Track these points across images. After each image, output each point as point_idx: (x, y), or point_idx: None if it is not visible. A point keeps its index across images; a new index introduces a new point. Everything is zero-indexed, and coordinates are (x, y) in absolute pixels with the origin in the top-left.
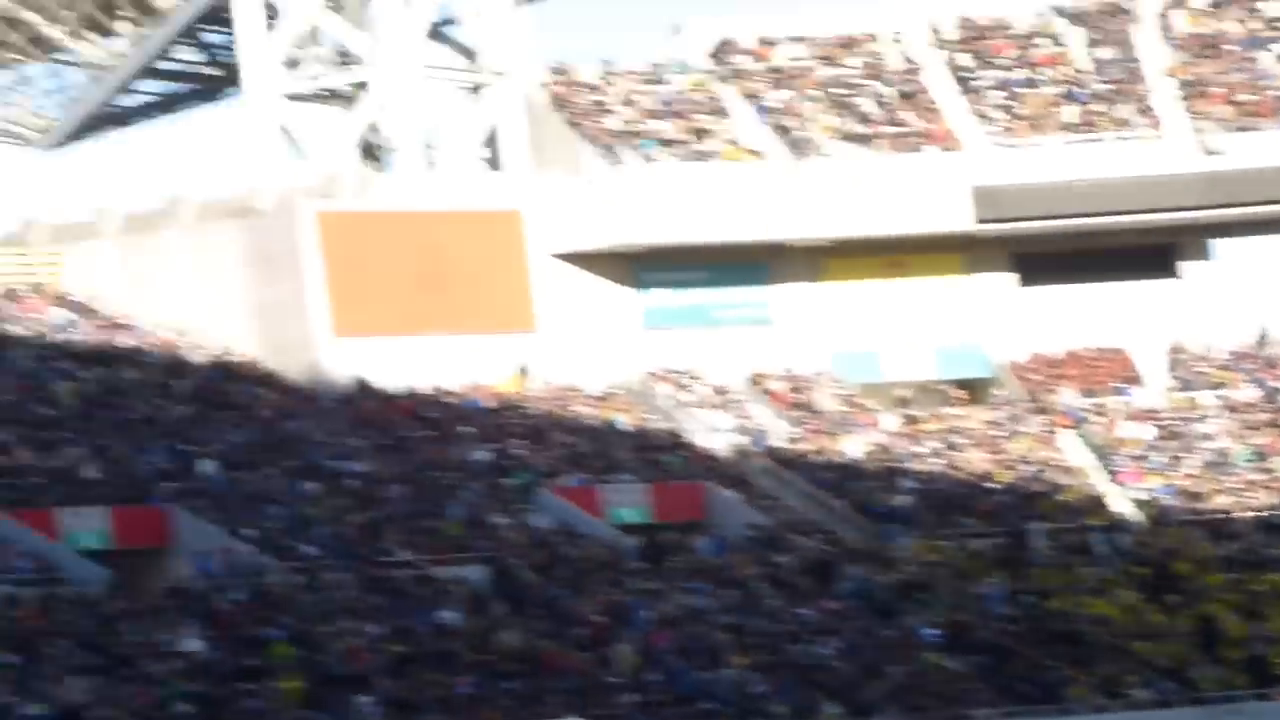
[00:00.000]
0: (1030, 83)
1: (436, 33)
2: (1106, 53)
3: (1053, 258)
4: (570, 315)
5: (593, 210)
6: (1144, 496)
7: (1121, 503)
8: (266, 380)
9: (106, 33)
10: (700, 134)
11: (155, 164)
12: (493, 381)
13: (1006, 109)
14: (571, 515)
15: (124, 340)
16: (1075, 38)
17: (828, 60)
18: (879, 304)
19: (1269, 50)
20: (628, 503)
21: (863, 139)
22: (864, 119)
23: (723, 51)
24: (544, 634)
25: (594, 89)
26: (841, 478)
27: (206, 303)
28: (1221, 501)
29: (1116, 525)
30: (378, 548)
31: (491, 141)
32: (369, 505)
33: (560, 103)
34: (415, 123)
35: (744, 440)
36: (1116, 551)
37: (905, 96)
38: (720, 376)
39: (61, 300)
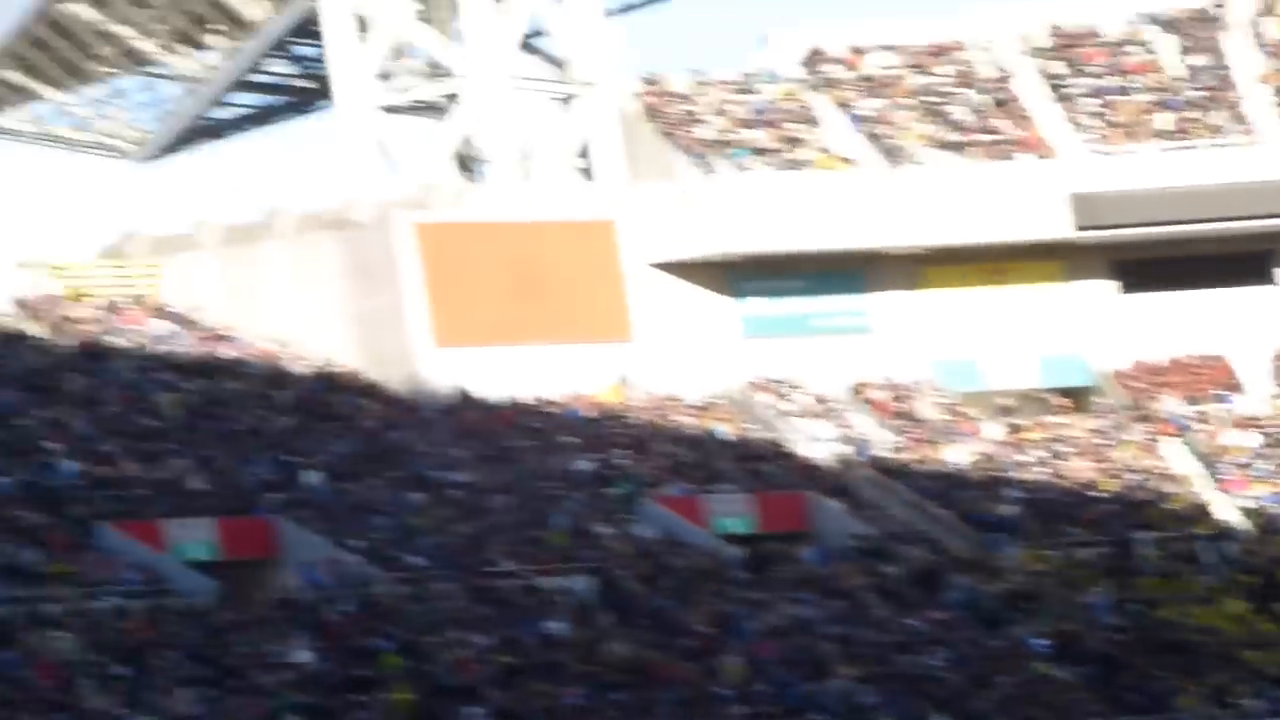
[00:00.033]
0: (1123, 90)
1: (527, 44)
2: (1198, 60)
3: (1152, 264)
4: (668, 324)
5: (687, 219)
6: (1250, 504)
7: (1228, 511)
8: (368, 391)
9: (198, 46)
10: (793, 143)
11: (251, 176)
12: (593, 391)
13: (1100, 116)
14: (675, 525)
15: (226, 351)
16: (1166, 45)
17: (919, 68)
18: (979, 312)
19: None
20: (731, 513)
21: (956, 146)
22: (957, 126)
23: (813, 60)
24: (651, 645)
25: (686, 99)
26: (946, 487)
27: (306, 314)
28: None
29: (1223, 533)
30: (483, 558)
31: (585, 152)
32: (473, 515)
33: (652, 113)
34: (508, 134)
35: (846, 449)
36: (1224, 560)
37: (998, 104)
38: (820, 385)
39: (162, 312)
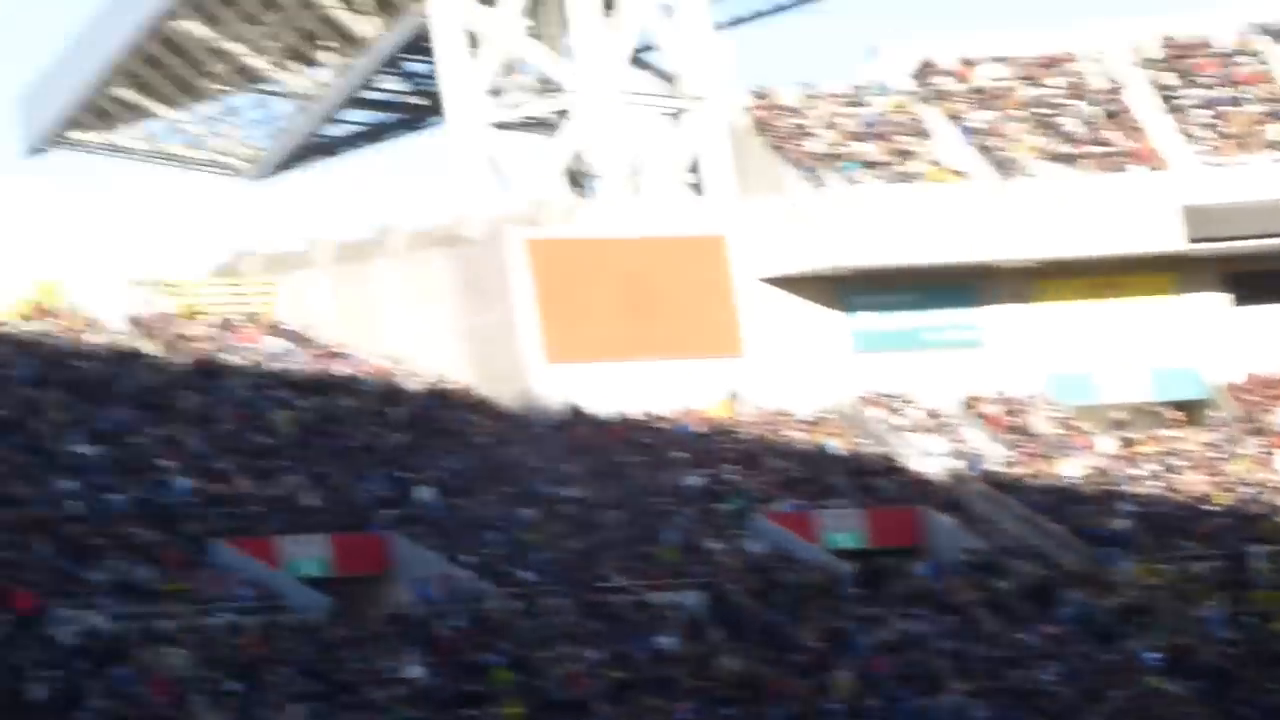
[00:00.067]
0: (1234, 101)
1: (637, 59)
2: None
3: (1265, 276)
4: (778, 339)
5: (798, 233)
6: None
7: None
8: (480, 407)
9: (311, 63)
10: (903, 155)
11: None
12: (703, 406)
13: (1212, 127)
14: (786, 540)
15: (339, 368)
16: (1278, 55)
17: (1030, 80)
18: (1091, 325)
19: None
20: (843, 528)
21: (1067, 159)
22: (1068, 138)
23: (924, 72)
24: (762, 660)
25: (795, 112)
26: (1059, 501)
27: (418, 331)
28: None
29: None
30: (594, 573)
31: (695, 167)
32: (584, 531)
33: (762, 126)
34: (618, 149)
35: (959, 464)
36: None
37: (1109, 115)
38: (932, 400)
39: (276, 329)
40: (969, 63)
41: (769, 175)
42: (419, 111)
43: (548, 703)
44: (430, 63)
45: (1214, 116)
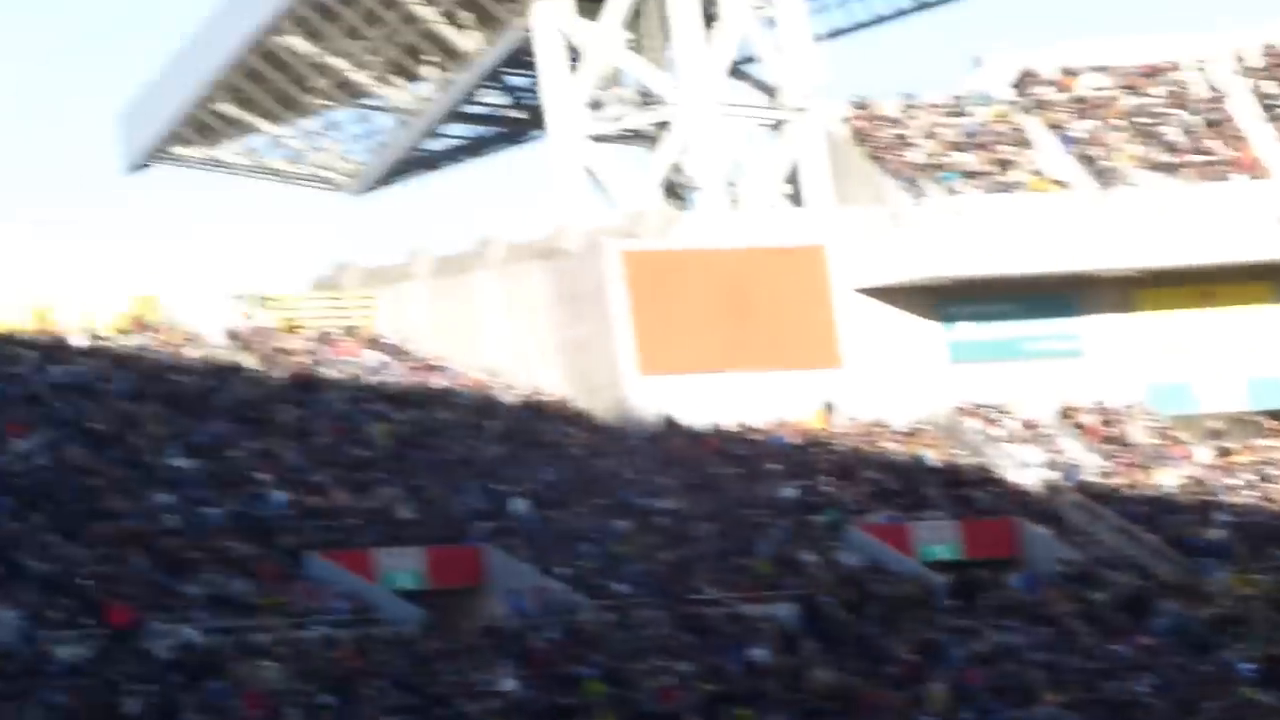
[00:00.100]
0: None
1: (737, 70)
2: None
3: None
4: (875, 350)
5: (896, 244)
6: None
7: None
8: (576, 419)
9: (412, 77)
10: (1004, 165)
11: (463, 206)
12: (798, 417)
13: None
14: (881, 552)
15: (436, 381)
16: None
17: (1131, 89)
18: (1190, 334)
19: None
20: (938, 539)
21: (1169, 168)
22: (1169, 148)
23: (1025, 82)
24: (856, 672)
25: (895, 122)
26: (1155, 511)
27: (515, 343)
28: None
29: None
30: (688, 585)
31: (793, 177)
32: (679, 543)
33: (861, 137)
34: (717, 160)
35: (1055, 475)
36: None
37: (1211, 125)
38: (1029, 410)
39: (374, 342)
40: (1070, 72)
41: (868, 185)
42: (519, 125)
43: (640, 715)
44: (531, 76)
45: None
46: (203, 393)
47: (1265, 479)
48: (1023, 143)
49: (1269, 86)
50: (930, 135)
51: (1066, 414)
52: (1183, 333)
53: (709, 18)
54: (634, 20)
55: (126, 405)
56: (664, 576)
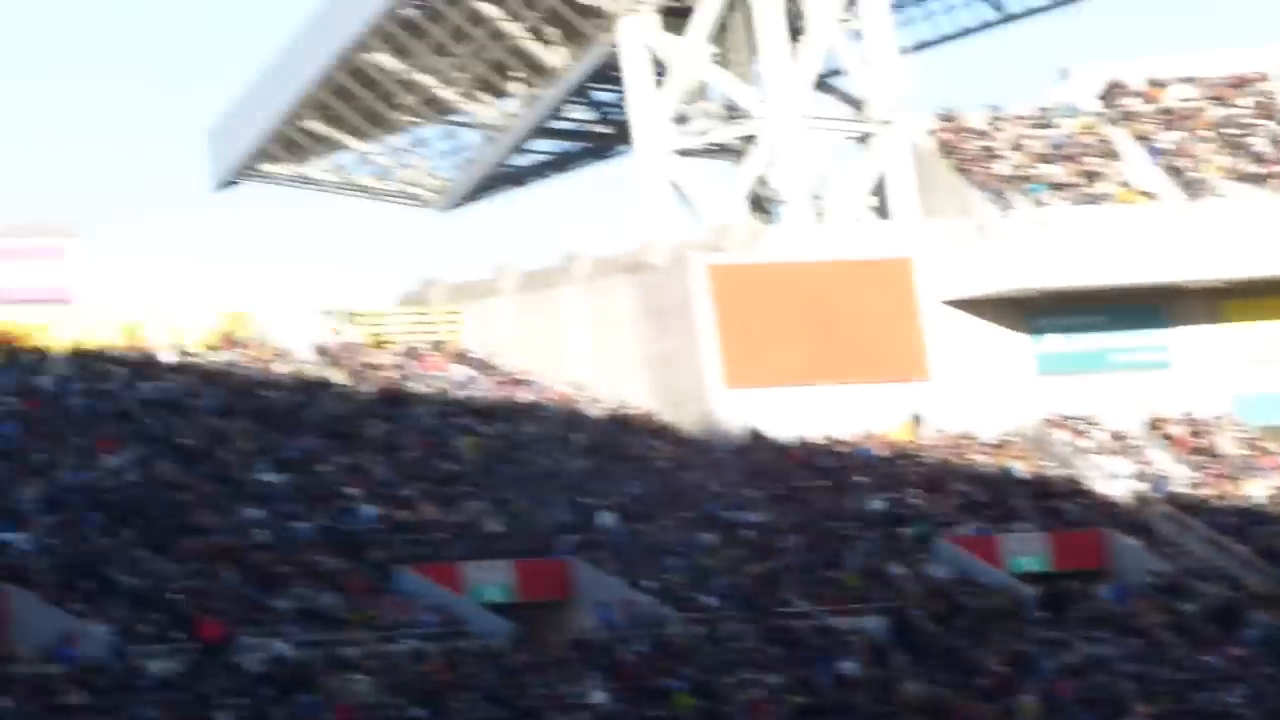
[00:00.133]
0: None
1: (823, 84)
2: None
3: None
4: (962, 362)
5: (984, 256)
6: None
7: None
8: (662, 432)
9: (499, 93)
10: (1091, 177)
11: (549, 221)
12: (884, 430)
13: None
14: (970, 565)
15: (523, 395)
16: None
17: (1219, 100)
18: (1278, 345)
19: None
20: (1027, 551)
21: (1256, 179)
22: (1257, 159)
23: (1112, 94)
24: (946, 684)
25: (982, 134)
26: (1244, 522)
27: (601, 357)
28: None
29: None
30: (775, 598)
31: (879, 190)
32: (766, 556)
33: (948, 149)
34: (803, 174)
35: (1144, 486)
36: None
37: None
38: (1117, 422)
39: (461, 357)
40: (1157, 84)
41: (955, 198)
42: (605, 140)
43: None
44: (617, 91)
45: None
46: (292, 408)
47: None
48: (1110, 154)
49: None
50: (1017, 147)
51: (1155, 425)
52: (1271, 343)
53: (795, 31)
54: (720, 34)
55: (216, 421)
56: (752, 589)
